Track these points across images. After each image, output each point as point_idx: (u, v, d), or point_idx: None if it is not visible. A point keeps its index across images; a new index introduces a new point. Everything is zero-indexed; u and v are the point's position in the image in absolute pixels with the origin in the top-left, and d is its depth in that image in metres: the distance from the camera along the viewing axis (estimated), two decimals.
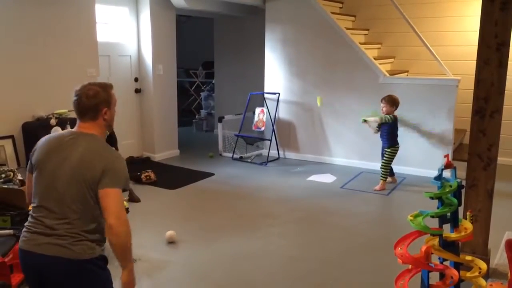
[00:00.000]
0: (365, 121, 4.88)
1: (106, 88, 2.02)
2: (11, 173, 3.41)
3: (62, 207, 1.84)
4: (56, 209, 1.84)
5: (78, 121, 1.99)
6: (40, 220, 1.85)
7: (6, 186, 3.25)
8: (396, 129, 4.87)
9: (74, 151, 1.89)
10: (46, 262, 1.81)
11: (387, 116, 4.77)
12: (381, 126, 4.86)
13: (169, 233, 3.55)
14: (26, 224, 1.91)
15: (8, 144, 4.20)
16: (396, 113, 4.91)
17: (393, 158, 4.90)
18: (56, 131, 4.10)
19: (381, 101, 4.84)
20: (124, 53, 5.75)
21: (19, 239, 1.90)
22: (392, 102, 4.80)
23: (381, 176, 4.91)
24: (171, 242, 3.56)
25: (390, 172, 5.01)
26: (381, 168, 4.93)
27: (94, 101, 1.94)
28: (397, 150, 4.90)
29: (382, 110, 4.83)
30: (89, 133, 1.95)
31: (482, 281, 2.26)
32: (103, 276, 2.00)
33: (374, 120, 4.83)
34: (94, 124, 1.97)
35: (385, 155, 4.90)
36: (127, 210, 3.37)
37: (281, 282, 2.98)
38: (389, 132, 4.84)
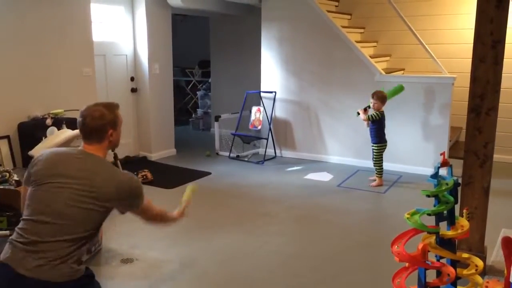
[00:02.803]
0: (358, 114, 4.92)
1: (112, 108, 2.00)
2: (7, 174, 3.40)
3: (55, 226, 1.78)
4: (48, 227, 1.78)
5: (83, 142, 1.97)
6: (28, 237, 1.77)
7: (2, 187, 3.23)
8: (384, 126, 4.89)
9: (82, 171, 1.86)
10: (28, 284, 1.73)
11: (375, 113, 4.80)
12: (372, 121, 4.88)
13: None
14: (12, 237, 1.83)
15: (3, 145, 4.18)
16: (392, 110, 4.93)
17: (382, 154, 4.92)
18: (52, 131, 4.09)
19: (372, 96, 4.85)
20: (119, 52, 5.74)
21: (3, 251, 1.82)
22: (382, 98, 4.82)
23: (376, 173, 4.94)
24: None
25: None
26: (374, 165, 4.95)
27: (100, 123, 1.93)
28: (385, 146, 4.93)
29: (373, 105, 4.84)
30: (96, 155, 1.94)
31: (479, 278, 2.27)
32: None
33: (363, 117, 4.86)
34: (99, 146, 1.96)
35: (374, 152, 4.92)
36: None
37: (279, 280, 2.98)
38: (377, 129, 4.87)
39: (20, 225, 1.85)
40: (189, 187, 2.42)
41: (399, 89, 4.99)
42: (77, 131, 3.94)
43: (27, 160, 4.12)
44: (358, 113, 4.92)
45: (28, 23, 4.36)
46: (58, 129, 4.12)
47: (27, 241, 1.78)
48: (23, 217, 1.86)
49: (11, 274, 1.75)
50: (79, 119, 1.97)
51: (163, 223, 2.26)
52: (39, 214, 1.81)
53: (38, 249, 1.75)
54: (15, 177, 3.46)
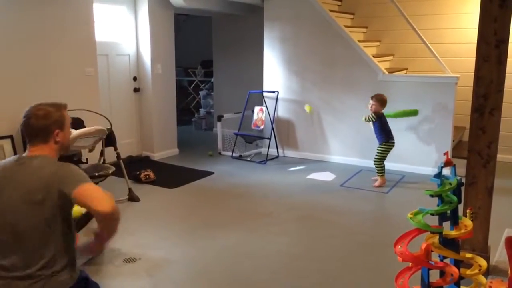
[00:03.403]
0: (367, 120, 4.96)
1: (58, 107, 1.88)
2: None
3: (21, 243, 1.70)
4: (15, 245, 1.71)
5: (28, 146, 1.85)
6: (2, 262, 1.71)
7: None
8: (386, 125, 4.89)
9: (25, 176, 1.74)
10: None
11: (371, 115, 4.83)
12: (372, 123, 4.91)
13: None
14: None
15: (7, 144, 4.19)
16: (395, 109, 4.93)
17: (386, 154, 4.92)
18: None
19: (372, 98, 4.85)
20: (122, 52, 5.74)
21: None
22: (382, 101, 4.85)
23: (378, 173, 4.93)
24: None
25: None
26: (374, 165, 4.95)
27: (45, 122, 1.82)
28: (392, 146, 4.92)
29: (371, 107, 4.84)
30: (41, 154, 1.81)
31: (482, 279, 2.26)
32: None
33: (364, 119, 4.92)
34: (45, 147, 1.83)
35: (377, 151, 4.92)
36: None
37: (282, 280, 2.98)
38: (378, 129, 4.87)
39: None
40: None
41: (413, 112, 4.98)
42: (80, 131, 3.96)
43: None
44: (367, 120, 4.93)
45: (31, 23, 4.37)
46: None
47: (2, 267, 1.72)
48: None
49: None
50: (22, 119, 1.84)
51: (116, 217, 1.77)
52: (1, 234, 1.74)
53: (15, 274, 1.69)
54: None
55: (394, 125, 5.02)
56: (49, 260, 1.74)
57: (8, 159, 1.87)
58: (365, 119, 4.88)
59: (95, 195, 1.70)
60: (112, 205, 1.69)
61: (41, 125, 1.82)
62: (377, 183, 4.91)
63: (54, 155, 1.87)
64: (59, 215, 1.76)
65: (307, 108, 5.70)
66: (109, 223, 1.73)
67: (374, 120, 4.83)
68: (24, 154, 1.86)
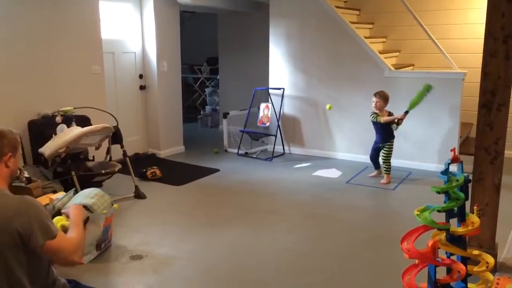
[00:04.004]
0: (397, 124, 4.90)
1: (11, 131, 1.78)
2: (18, 171, 3.43)
3: None
4: None
5: None
6: None
7: (13, 184, 3.26)
8: (389, 125, 4.86)
9: None
10: None
11: (395, 121, 4.79)
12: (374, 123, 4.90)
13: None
14: None
15: None
16: (402, 107, 4.90)
17: (391, 152, 4.92)
18: (62, 129, 4.12)
19: (375, 95, 4.82)
20: (128, 50, 5.76)
21: None
22: (385, 98, 4.81)
23: (385, 171, 4.92)
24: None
25: (376, 165, 5.06)
26: (383, 163, 4.94)
27: None
28: (392, 143, 4.92)
29: (375, 104, 4.81)
30: None
31: (490, 275, 2.25)
32: None
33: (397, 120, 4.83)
34: None
35: (383, 151, 4.92)
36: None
37: (287, 277, 2.98)
38: (383, 129, 4.86)
39: None
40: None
41: (426, 88, 4.68)
42: (86, 129, 3.98)
43: (37, 157, 4.16)
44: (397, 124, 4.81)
45: (37, 21, 4.39)
46: (68, 127, 4.15)
47: None
48: None
49: None
50: None
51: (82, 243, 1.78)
52: None
53: None
54: (26, 174, 3.50)
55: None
56: None
57: None
58: (394, 124, 4.77)
59: (65, 247, 1.66)
60: (78, 253, 1.69)
61: None
62: (383, 181, 4.89)
63: (5, 183, 1.72)
64: (17, 261, 1.62)
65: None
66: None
67: (397, 124, 4.76)
68: None
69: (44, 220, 1.65)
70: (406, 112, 4.73)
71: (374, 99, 4.82)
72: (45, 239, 1.62)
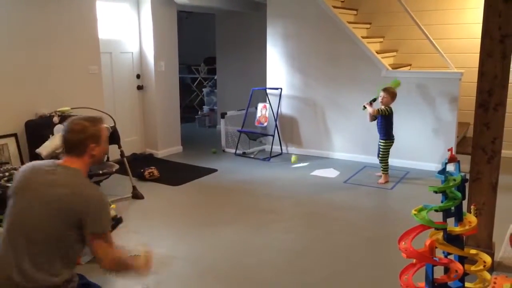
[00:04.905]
0: (364, 107, 4.93)
1: (95, 122, 1.93)
2: (15, 172, 3.42)
3: (27, 241, 1.76)
4: (21, 242, 1.76)
5: (64, 155, 1.92)
6: (7, 257, 1.76)
7: (9, 185, 3.26)
8: (392, 122, 4.87)
9: (51, 187, 1.80)
10: None
11: (385, 108, 4.77)
12: (377, 117, 4.86)
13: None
14: None
15: (11, 142, 4.21)
16: (399, 106, 4.91)
17: (389, 150, 4.90)
18: (59, 129, 4.11)
19: (384, 90, 4.82)
20: (125, 50, 5.75)
21: None
22: (392, 94, 4.80)
23: (382, 170, 4.92)
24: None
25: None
26: (380, 162, 4.94)
27: (80, 137, 1.87)
28: (392, 143, 4.90)
29: (381, 100, 4.81)
30: (71, 167, 1.87)
31: (487, 275, 2.26)
32: None
33: (371, 111, 4.84)
34: (79, 161, 1.89)
35: (380, 148, 4.90)
36: (118, 220, 3.32)
37: (286, 276, 2.98)
38: (385, 124, 4.84)
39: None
40: (144, 250, 2.11)
41: (395, 84, 4.98)
42: None
43: (34, 158, 4.14)
44: (365, 107, 4.91)
45: (34, 21, 4.38)
46: None
47: (6, 263, 1.77)
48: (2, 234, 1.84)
49: None
50: (61, 132, 1.93)
51: (121, 269, 1.93)
52: (13, 231, 1.80)
53: (18, 270, 1.74)
54: None
55: (398, 121, 5.00)
56: (53, 271, 1.78)
57: (42, 163, 1.94)
58: (379, 111, 4.78)
59: (101, 252, 1.82)
60: (108, 265, 1.85)
61: (77, 139, 1.87)
62: (381, 181, 4.90)
63: (86, 169, 1.92)
64: (70, 235, 1.80)
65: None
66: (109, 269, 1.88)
67: (388, 113, 4.78)
68: (58, 162, 1.91)
69: (101, 214, 1.83)
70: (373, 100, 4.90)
71: (381, 93, 4.81)
72: (93, 229, 1.79)
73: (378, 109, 4.80)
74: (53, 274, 1.78)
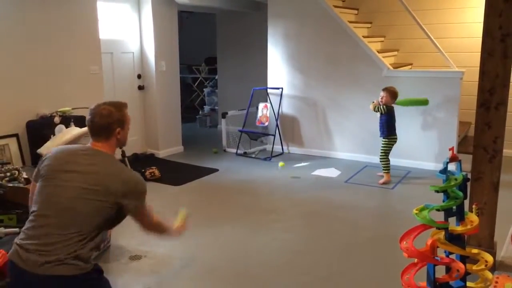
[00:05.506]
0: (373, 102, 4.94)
1: (120, 107, 2.06)
2: (16, 172, 3.43)
3: (62, 220, 1.82)
4: (55, 221, 1.82)
5: (91, 140, 2.04)
6: (35, 233, 1.81)
7: (11, 185, 3.26)
8: (393, 120, 4.86)
9: (89, 166, 1.91)
10: (39, 280, 1.77)
11: (382, 107, 4.78)
12: (380, 114, 4.86)
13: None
14: (20, 237, 1.86)
15: (12, 143, 4.22)
16: (400, 106, 4.91)
17: (390, 149, 4.89)
18: (60, 129, 4.11)
19: (383, 90, 4.82)
20: (126, 50, 5.75)
21: (11, 249, 1.86)
22: (393, 94, 4.81)
23: (383, 169, 4.91)
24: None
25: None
26: (380, 161, 4.93)
27: (108, 121, 1.99)
28: (395, 141, 4.90)
29: (381, 99, 4.81)
30: (103, 151, 1.99)
31: (489, 274, 2.25)
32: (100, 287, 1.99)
33: (371, 107, 4.88)
34: (107, 144, 2.01)
35: (381, 146, 4.90)
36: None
37: (287, 276, 2.98)
38: (385, 122, 4.84)
39: (26, 223, 1.88)
40: (181, 212, 2.43)
41: (423, 101, 4.93)
42: (85, 129, 3.97)
43: (35, 158, 4.15)
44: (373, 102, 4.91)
45: (35, 21, 4.38)
46: (66, 127, 4.14)
47: (34, 237, 1.80)
48: (31, 212, 1.90)
49: (17, 271, 1.79)
50: (88, 117, 2.03)
51: (160, 233, 2.20)
52: (46, 209, 1.86)
53: (44, 244, 1.78)
54: (24, 175, 3.49)
55: (399, 120, 5.00)
56: (75, 247, 1.82)
57: (75, 146, 2.09)
58: (374, 109, 4.81)
59: (145, 221, 2.06)
60: (153, 229, 2.14)
61: (105, 123, 1.99)
62: (382, 180, 4.89)
63: (113, 151, 2.06)
64: (103, 213, 1.89)
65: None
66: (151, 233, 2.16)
67: (383, 112, 4.78)
68: (88, 145, 2.04)
69: (142, 190, 2.00)
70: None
71: (381, 93, 4.82)
72: (136, 203, 1.96)
73: (374, 106, 4.82)
74: (81, 257, 1.82)
